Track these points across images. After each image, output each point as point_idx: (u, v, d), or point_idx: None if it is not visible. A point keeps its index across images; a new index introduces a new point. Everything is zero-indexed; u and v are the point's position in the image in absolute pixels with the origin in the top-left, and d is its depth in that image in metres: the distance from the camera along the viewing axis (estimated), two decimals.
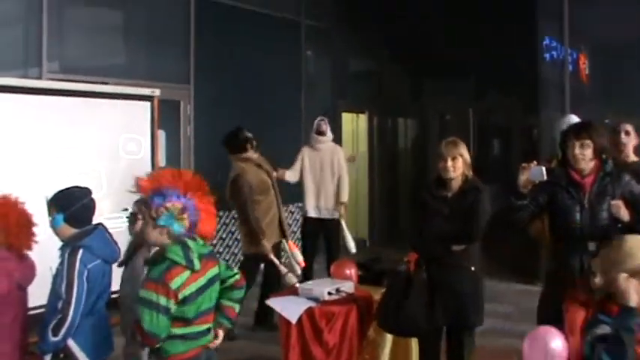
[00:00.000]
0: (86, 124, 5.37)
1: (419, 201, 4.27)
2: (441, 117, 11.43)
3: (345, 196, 7.18)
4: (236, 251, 8.14)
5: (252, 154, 6.19)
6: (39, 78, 6.38)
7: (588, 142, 3.76)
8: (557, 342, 2.98)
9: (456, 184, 4.09)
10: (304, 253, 7.37)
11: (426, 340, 4.25)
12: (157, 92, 5.89)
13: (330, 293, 4.60)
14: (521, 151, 9.57)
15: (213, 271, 3.15)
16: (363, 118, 11.25)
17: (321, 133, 7.22)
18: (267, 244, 6.05)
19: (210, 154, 6.23)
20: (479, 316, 4.13)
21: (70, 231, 3.36)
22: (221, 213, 8.07)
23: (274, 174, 6.46)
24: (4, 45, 6.38)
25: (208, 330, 3.16)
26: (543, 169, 3.71)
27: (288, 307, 4.57)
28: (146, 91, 5.87)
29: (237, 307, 3.42)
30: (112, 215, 5.25)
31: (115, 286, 3.65)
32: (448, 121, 11.39)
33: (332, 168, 7.17)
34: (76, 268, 3.18)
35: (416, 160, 11.57)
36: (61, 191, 3.41)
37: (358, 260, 5.49)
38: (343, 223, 7.00)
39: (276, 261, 5.93)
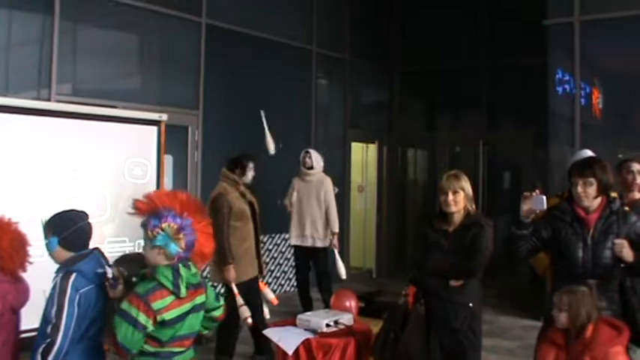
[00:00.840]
0: (92, 147, 5.36)
1: (420, 234, 4.22)
2: (452, 149, 11.40)
3: (335, 227, 7.28)
4: None
5: (242, 181, 5.99)
6: (48, 100, 6.42)
7: (591, 179, 3.70)
8: None
9: (457, 218, 4.03)
10: (298, 283, 7.41)
11: None
12: (164, 117, 5.88)
13: (328, 325, 4.56)
14: (530, 184, 9.50)
15: (200, 298, 3.19)
16: (372, 148, 11.25)
17: (306, 166, 7.38)
18: (233, 272, 5.65)
19: (217, 180, 6.20)
20: (475, 353, 4.04)
21: (65, 254, 3.32)
22: None
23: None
24: (15, 66, 6.44)
25: (181, 353, 3.16)
26: (544, 198, 3.67)
27: (286, 338, 4.53)
28: (153, 116, 5.86)
29: (206, 332, 3.57)
30: (115, 239, 5.25)
31: None
32: (458, 152, 11.36)
33: (318, 198, 7.30)
34: (67, 293, 3.13)
35: (425, 192, 11.53)
36: (57, 214, 3.38)
37: (359, 292, 5.43)
38: (336, 252, 7.05)
39: (236, 290, 5.61)
